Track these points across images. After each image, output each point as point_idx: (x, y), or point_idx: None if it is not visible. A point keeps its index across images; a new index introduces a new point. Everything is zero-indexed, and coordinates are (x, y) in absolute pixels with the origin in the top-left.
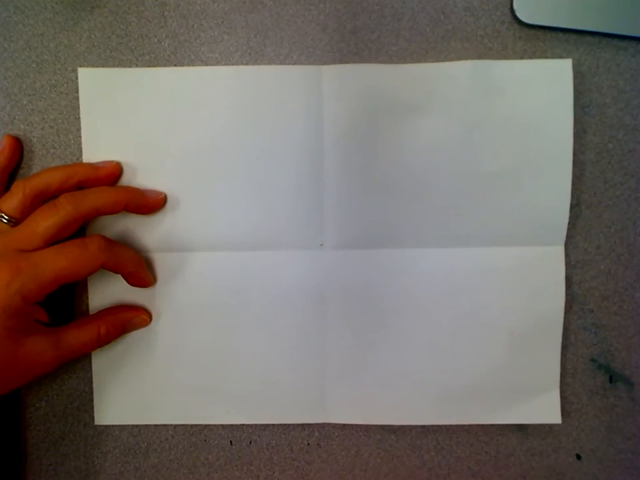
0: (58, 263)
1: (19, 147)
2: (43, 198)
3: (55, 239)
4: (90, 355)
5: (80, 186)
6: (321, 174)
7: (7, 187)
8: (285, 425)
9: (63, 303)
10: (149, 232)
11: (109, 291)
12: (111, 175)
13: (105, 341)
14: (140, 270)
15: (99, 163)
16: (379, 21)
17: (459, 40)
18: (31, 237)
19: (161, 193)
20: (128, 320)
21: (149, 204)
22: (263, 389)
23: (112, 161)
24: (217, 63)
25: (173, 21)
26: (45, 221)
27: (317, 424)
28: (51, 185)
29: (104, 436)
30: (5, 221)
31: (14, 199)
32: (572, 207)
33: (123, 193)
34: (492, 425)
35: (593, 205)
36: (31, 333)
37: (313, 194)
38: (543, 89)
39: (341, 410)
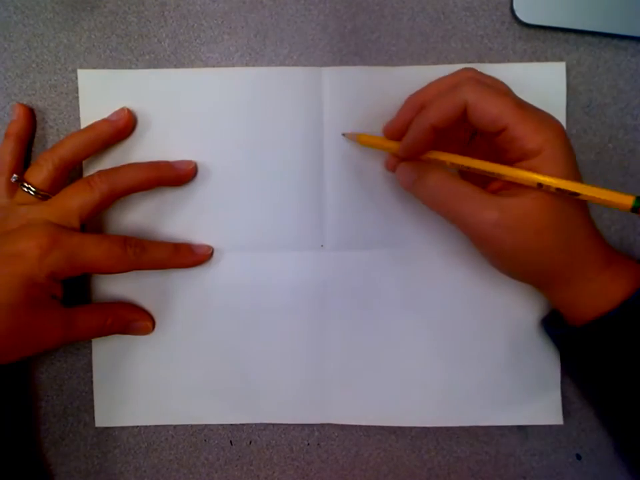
0: (97, 254)
1: (31, 117)
2: (70, 168)
3: (90, 217)
4: (90, 355)
5: (103, 147)
6: (321, 175)
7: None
8: (285, 424)
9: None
10: (150, 234)
11: (112, 288)
12: (122, 129)
13: (107, 331)
14: (179, 258)
15: (112, 116)
16: (379, 21)
17: (459, 40)
18: (68, 214)
19: (190, 162)
20: (133, 320)
21: (181, 175)
22: (263, 388)
23: (124, 109)
24: (217, 63)
25: (172, 21)
26: (80, 199)
27: (317, 424)
28: (78, 154)
29: (104, 436)
30: (32, 193)
31: (43, 172)
32: None
33: (155, 170)
34: (492, 425)
35: (593, 204)
36: (48, 306)
37: (312, 195)
38: (537, 91)
39: (341, 410)
